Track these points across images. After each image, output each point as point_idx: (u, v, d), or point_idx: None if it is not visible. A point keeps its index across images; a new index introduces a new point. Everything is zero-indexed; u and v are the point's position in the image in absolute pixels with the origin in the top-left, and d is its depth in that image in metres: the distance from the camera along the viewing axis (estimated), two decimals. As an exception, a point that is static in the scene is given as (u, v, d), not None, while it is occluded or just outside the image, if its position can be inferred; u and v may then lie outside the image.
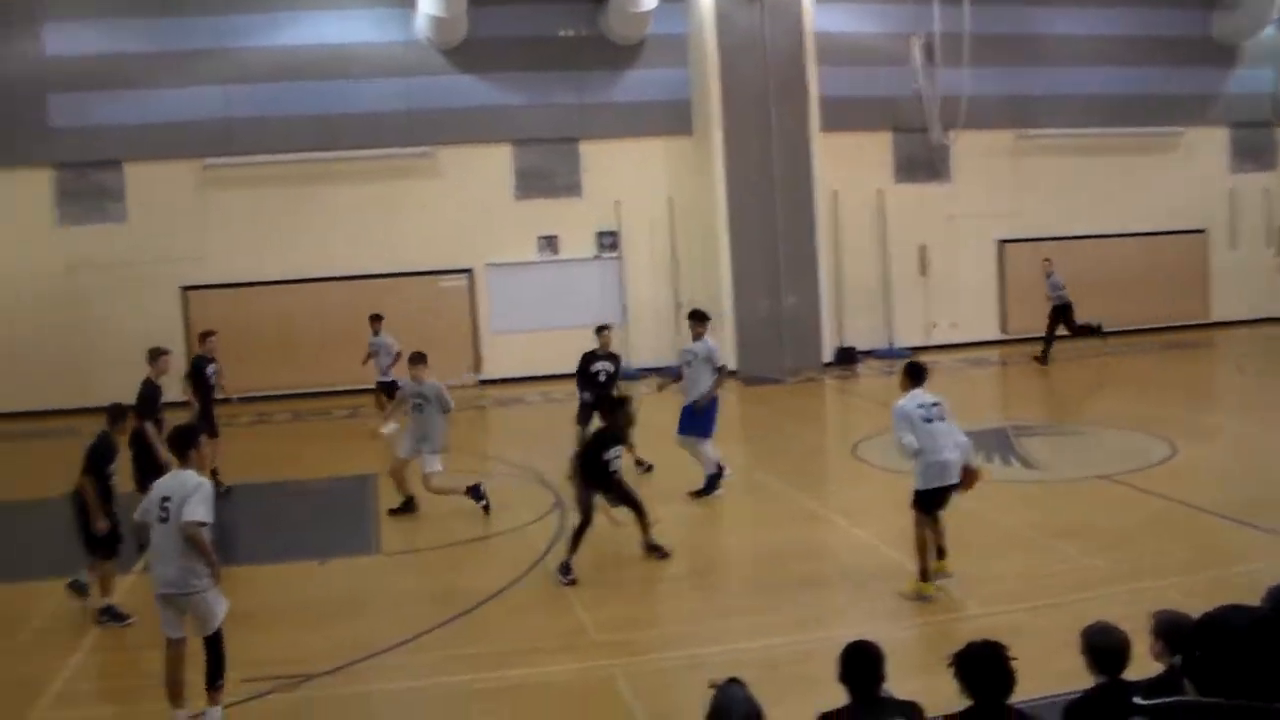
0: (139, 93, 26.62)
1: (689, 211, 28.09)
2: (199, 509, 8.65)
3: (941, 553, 11.46)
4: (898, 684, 6.11)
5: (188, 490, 8.69)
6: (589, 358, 17.73)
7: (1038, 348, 26.35)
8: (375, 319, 22.62)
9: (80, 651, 11.08)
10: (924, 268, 29.18)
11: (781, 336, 26.80)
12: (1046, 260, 26.80)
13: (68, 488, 11.91)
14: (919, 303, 29.17)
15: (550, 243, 28.34)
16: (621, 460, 13.16)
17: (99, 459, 11.62)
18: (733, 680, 5.60)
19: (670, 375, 16.61)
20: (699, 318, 16.39)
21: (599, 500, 12.79)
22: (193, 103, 26.78)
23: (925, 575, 11.20)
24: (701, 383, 15.68)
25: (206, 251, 26.93)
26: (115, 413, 12.23)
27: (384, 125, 27.39)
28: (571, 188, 28.37)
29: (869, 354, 28.57)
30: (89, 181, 27.00)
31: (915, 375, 11.90)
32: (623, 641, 10.54)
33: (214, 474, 14.90)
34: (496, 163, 28.06)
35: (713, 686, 5.56)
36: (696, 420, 15.65)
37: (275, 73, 27.02)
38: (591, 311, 26.67)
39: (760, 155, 26.72)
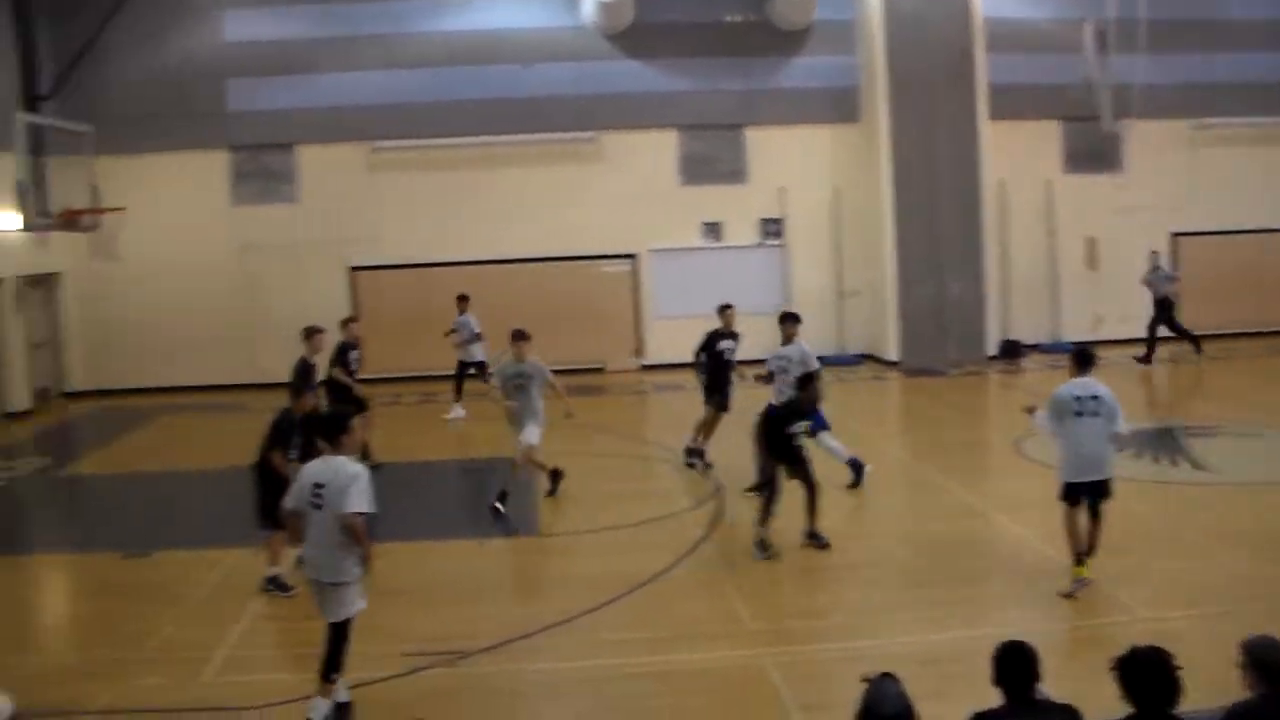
0: (312, 77, 27.37)
1: (853, 199, 27.91)
2: (359, 500, 8.66)
3: (1091, 550, 11.36)
4: (1055, 686, 6.05)
5: (344, 480, 8.68)
6: (715, 335, 17.68)
7: (1211, 343, 25.74)
8: (462, 299, 22.96)
9: (245, 619, 11.50)
10: (1092, 260, 28.60)
11: (945, 328, 26.52)
12: (1155, 253, 26.18)
13: (239, 460, 12.36)
14: (1086, 296, 28.54)
15: (714, 229, 28.38)
16: (803, 434, 13.34)
17: (282, 434, 12.03)
18: (886, 675, 5.61)
19: (766, 380, 16.18)
20: (791, 319, 16.08)
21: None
22: (364, 87, 27.42)
23: (1079, 560, 11.23)
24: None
25: (374, 233, 27.54)
26: (296, 390, 12.77)
27: (550, 110, 27.68)
28: (736, 174, 28.37)
29: (1034, 347, 28.04)
30: (262, 164, 27.85)
31: (1082, 363, 12.02)
32: (778, 631, 10.62)
33: (365, 451, 15.24)
34: (662, 148, 28.17)
35: (865, 680, 5.58)
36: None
37: (444, 57, 27.50)
38: (754, 298, 26.59)
39: (926, 143, 26.46)
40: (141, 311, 27.25)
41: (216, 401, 23.86)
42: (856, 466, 15.46)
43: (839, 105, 27.92)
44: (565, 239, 27.66)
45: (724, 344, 17.53)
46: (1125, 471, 15.69)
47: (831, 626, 10.64)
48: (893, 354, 26.70)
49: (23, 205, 21.34)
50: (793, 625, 10.78)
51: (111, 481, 19.22)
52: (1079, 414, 11.39)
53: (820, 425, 15.15)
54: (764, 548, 12.73)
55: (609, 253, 28.08)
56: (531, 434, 15.14)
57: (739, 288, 25.78)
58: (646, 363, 27.54)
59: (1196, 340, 25.88)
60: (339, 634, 8.84)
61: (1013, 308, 28.18)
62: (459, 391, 22.42)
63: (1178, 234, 28.87)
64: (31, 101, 24.84)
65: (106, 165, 24.34)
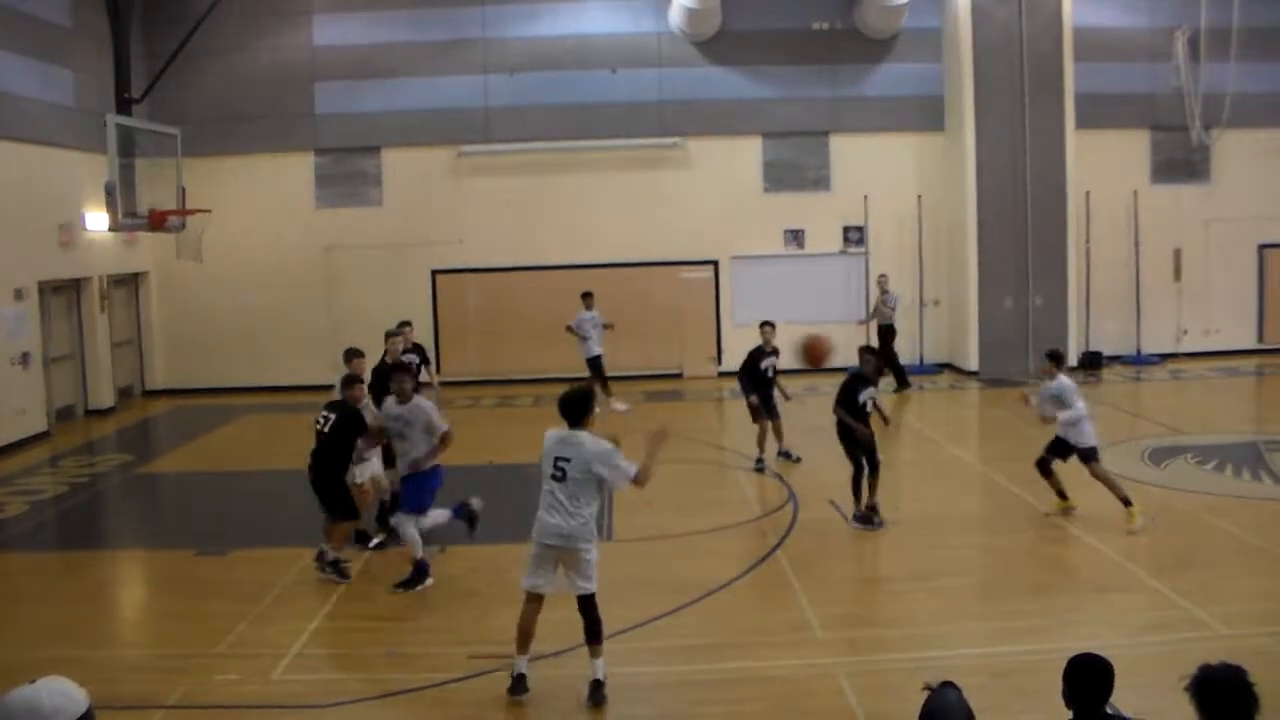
0: (399, 81, 27.61)
1: (937, 208, 27.70)
2: (630, 467, 9.39)
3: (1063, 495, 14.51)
4: (1126, 703, 5.91)
5: (596, 452, 9.26)
6: (756, 354, 18.17)
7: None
8: (586, 296, 23.24)
9: (317, 619, 11.62)
10: (1178, 272, 28.16)
11: (1026, 338, 26.25)
12: None
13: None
14: (1171, 308, 28.12)
15: (796, 237, 28.28)
16: (871, 401, 14.48)
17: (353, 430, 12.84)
18: (947, 683, 5.52)
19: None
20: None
21: None
22: (450, 91, 27.63)
23: (1128, 502, 13.86)
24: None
25: (457, 236, 27.70)
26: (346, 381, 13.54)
27: (636, 116, 27.73)
28: (820, 182, 28.24)
29: (1115, 359, 27.70)
30: (347, 166, 28.13)
31: (1061, 360, 15.12)
32: (848, 640, 10.52)
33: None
34: (746, 155, 28.12)
35: (926, 689, 5.50)
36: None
37: (532, 62, 27.60)
38: (835, 307, 26.67)
39: (1012, 153, 26.22)
40: (224, 312, 27.67)
41: (295, 402, 24.01)
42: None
43: (924, 113, 27.72)
44: (647, 245, 27.70)
45: (766, 362, 18.07)
46: (1205, 486, 15.57)
47: (902, 637, 10.52)
48: (972, 364, 26.47)
49: (112, 206, 21.64)
50: (863, 635, 10.68)
51: (190, 480, 19.47)
52: None
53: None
54: (863, 519, 14.26)
55: (691, 259, 28.04)
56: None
57: (820, 296, 25.77)
58: (724, 370, 27.43)
59: None
60: (592, 600, 9.44)
61: (1095, 319, 27.79)
62: (606, 385, 22.60)
63: (1265, 246, 28.35)
64: (123, 104, 25.24)
65: (194, 167, 24.64)
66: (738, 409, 20.54)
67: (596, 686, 9.28)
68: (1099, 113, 26.86)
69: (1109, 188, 27.52)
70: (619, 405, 22.46)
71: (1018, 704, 8.24)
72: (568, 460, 9.21)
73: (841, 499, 14.97)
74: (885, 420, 15.03)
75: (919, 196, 27.78)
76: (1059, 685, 5.66)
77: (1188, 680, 5.26)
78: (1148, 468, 17.01)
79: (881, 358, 14.91)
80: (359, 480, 13.60)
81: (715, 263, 28.17)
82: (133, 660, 10.69)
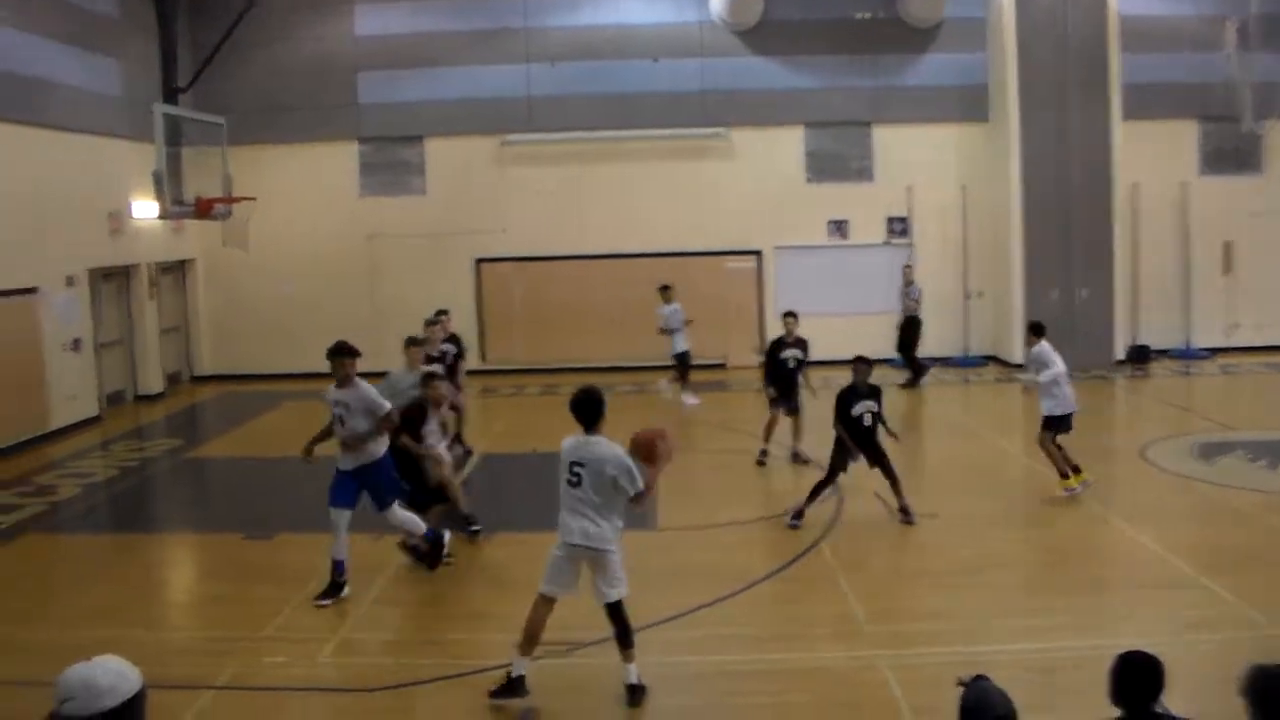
0: (441, 71, 27.74)
1: (981, 199, 27.57)
2: (639, 482, 9.20)
3: (1077, 469, 15.02)
4: (1175, 703, 5.85)
5: (614, 459, 9.14)
6: (778, 345, 17.90)
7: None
8: (665, 289, 22.94)
9: (363, 604, 11.74)
10: (1227, 265, 27.92)
11: (1072, 331, 26.07)
12: None
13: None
14: (1220, 302, 27.87)
15: (840, 227, 28.21)
16: (870, 414, 14.19)
17: (413, 420, 12.96)
18: (980, 677, 5.51)
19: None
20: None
21: None
22: (493, 80, 27.71)
23: (1064, 475, 15.01)
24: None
25: (501, 225, 27.78)
26: (425, 378, 13.70)
27: (678, 106, 27.72)
28: (863, 172, 28.17)
29: (1163, 353, 27.50)
30: (391, 155, 28.29)
31: (1041, 330, 16.03)
32: (893, 633, 10.51)
33: (458, 438, 15.52)
34: (789, 145, 28.07)
35: (960, 684, 5.49)
36: None
37: (574, 51, 27.66)
38: (879, 297, 26.53)
39: (1057, 143, 26.07)
40: (269, 299, 27.91)
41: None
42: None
43: (968, 103, 27.59)
44: (690, 235, 27.69)
45: (787, 353, 17.73)
46: (1257, 483, 15.44)
47: (947, 630, 10.48)
48: (1018, 356, 26.24)
49: (159, 194, 21.82)
50: (909, 628, 10.66)
51: (237, 464, 19.64)
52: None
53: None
54: (796, 516, 14.19)
55: (734, 249, 28.02)
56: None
57: (864, 287, 25.67)
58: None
59: None
60: (620, 605, 9.30)
61: (1142, 312, 27.59)
62: (684, 379, 22.60)
63: (1317, 238, 28.07)
64: (170, 94, 25.45)
65: (239, 156, 24.80)
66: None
67: (634, 690, 9.24)
68: (1146, 103, 26.65)
69: (1157, 179, 27.30)
70: (690, 399, 22.34)
71: (1063, 701, 8.21)
72: (583, 465, 9.09)
73: (888, 491, 14.94)
74: (893, 436, 14.80)
75: (963, 187, 27.67)
76: (1106, 682, 5.63)
77: (1240, 680, 5.23)
78: (1197, 463, 16.90)
79: (870, 367, 14.54)
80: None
81: (759, 253, 28.14)
82: (182, 642, 10.84)
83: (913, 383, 24.85)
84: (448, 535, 12.61)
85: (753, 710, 9.11)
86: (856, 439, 14.28)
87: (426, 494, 12.53)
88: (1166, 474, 16.34)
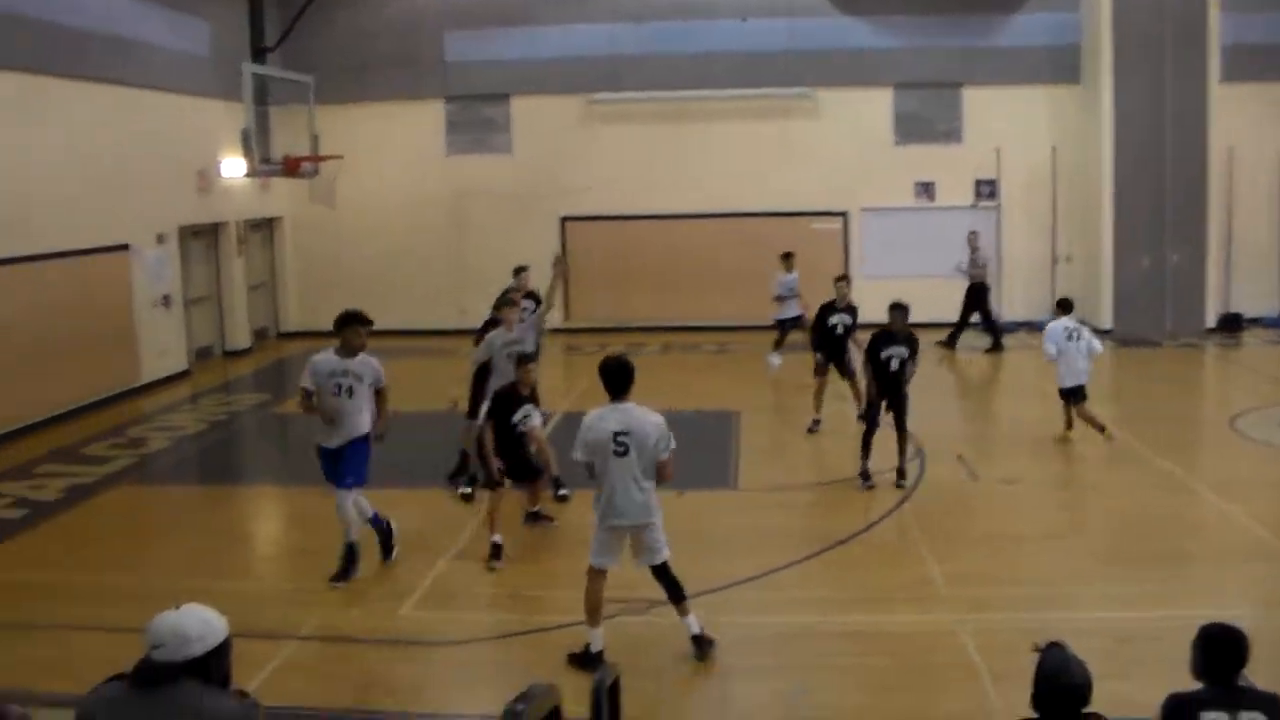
0: (529, 29, 27.70)
1: (1072, 162, 27.16)
2: (672, 442, 9.17)
3: (1102, 429, 15.78)
4: (1262, 678, 5.73)
5: (657, 426, 9.09)
6: (826, 310, 17.48)
7: None
8: (787, 256, 22.46)
9: (444, 559, 11.88)
10: (1326, 232, 27.30)
11: (1162, 297, 25.73)
12: None
13: (440, 405, 12.91)
14: (1317, 270, 27.32)
15: (927, 189, 27.95)
16: (898, 360, 14.33)
17: (504, 405, 12.57)
18: (1055, 644, 5.46)
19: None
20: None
21: None
22: (580, 39, 27.65)
23: (1069, 425, 16.38)
24: None
25: (587, 184, 27.82)
26: (519, 360, 13.27)
27: (765, 65, 27.51)
28: (951, 134, 27.84)
29: (1256, 321, 26.93)
30: (477, 114, 28.35)
31: (1066, 307, 16.84)
32: (972, 597, 10.46)
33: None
34: (876, 106, 27.78)
35: (1036, 650, 5.45)
36: None
37: (662, 10, 27.53)
38: (965, 261, 26.26)
39: (1152, 106, 25.56)
40: (355, 256, 28.09)
41: (424, 346, 24.38)
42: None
43: (1060, 65, 27.12)
44: (776, 195, 27.51)
45: (835, 319, 17.32)
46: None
47: (1026, 596, 10.42)
48: (1106, 322, 25.94)
49: (248, 153, 22.07)
50: (987, 593, 10.59)
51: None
52: (1069, 339, 16.01)
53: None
54: (865, 476, 14.28)
55: (820, 210, 27.84)
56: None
57: (950, 250, 25.40)
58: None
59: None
60: (667, 566, 9.37)
61: (1236, 280, 27.01)
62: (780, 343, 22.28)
63: None
64: (258, 53, 25.68)
65: (326, 114, 24.97)
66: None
67: (699, 641, 9.29)
68: (1246, 64, 25.94)
69: (1254, 143, 26.60)
70: (774, 359, 22.04)
71: (1140, 671, 8.13)
72: (627, 434, 8.98)
73: (971, 454, 14.89)
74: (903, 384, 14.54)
75: (1053, 149, 27.26)
76: (1183, 653, 5.57)
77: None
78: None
79: (906, 314, 14.47)
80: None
81: (845, 214, 27.96)
82: (267, 592, 11.02)
83: (997, 346, 24.60)
84: (394, 525, 11.96)
85: (831, 672, 9.12)
86: (881, 382, 14.32)
87: (528, 471, 12.29)
88: (1256, 444, 16.08)
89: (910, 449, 14.56)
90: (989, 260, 25.55)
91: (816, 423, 17.41)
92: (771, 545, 12.01)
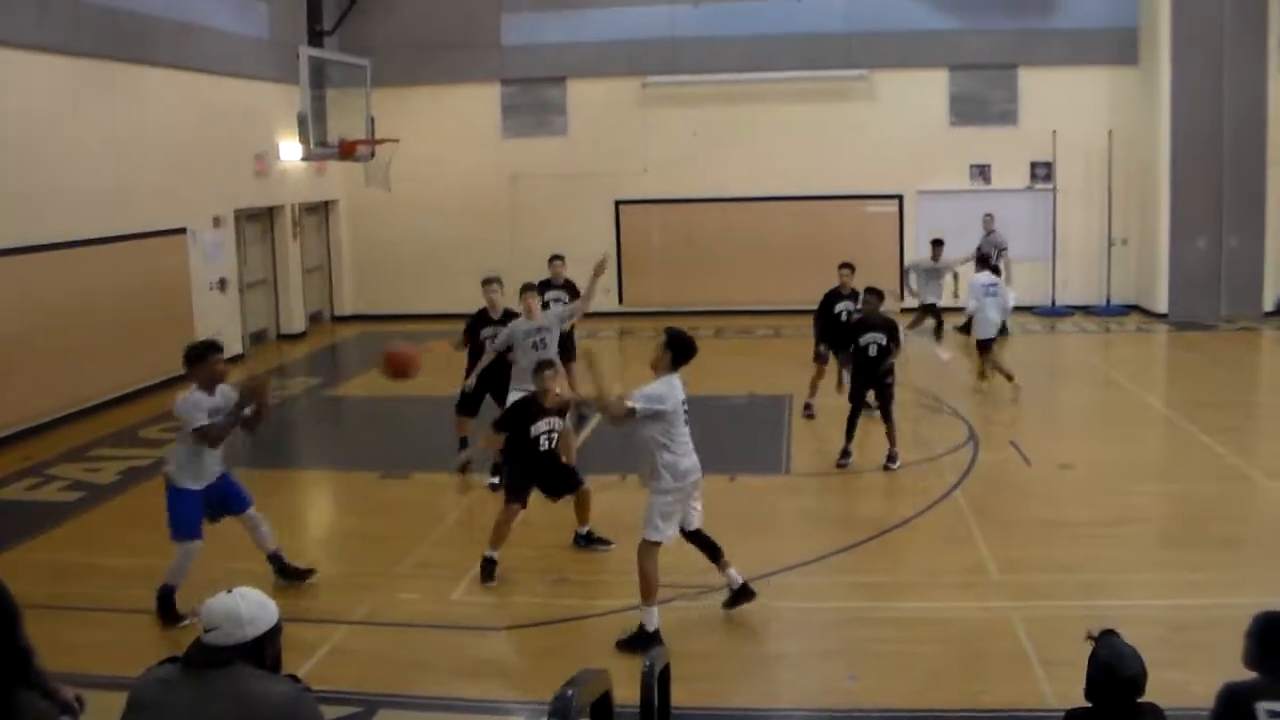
0: (585, 12, 27.69)
1: (1128, 145, 26.88)
2: None
3: (1010, 376, 17.77)
4: None
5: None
6: (832, 297, 17.11)
7: None
8: (937, 244, 22.02)
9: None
10: (1389, 216, 26.89)
11: (1219, 281, 25.46)
12: None
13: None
14: (1379, 253, 26.92)
15: (983, 172, 27.76)
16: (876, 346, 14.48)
17: (520, 418, 12.58)
18: (1109, 632, 5.43)
19: None
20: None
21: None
22: (636, 22, 27.59)
23: (982, 375, 18.52)
24: None
25: (642, 167, 27.82)
26: (538, 367, 13.07)
27: (821, 47, 27.39)
28: (1007, 116, 27.62)
29: (1314, 306, 26.66)
30: (533, 96, 28.41)
31: (986, 262, 20.17)
32: (1024, 584, 10.42)
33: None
34: (932, 88, 27.60)
35: (1090, 639, 5.42)
36: None
37: (718, -8, 27.48)
38: (1021, 243, 26.06)
39: (1210, 88, 25.24)
40: (409, 240, 28.22)
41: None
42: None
43: (1117, 46, 26.83)
44: (831, 178, 27.43)
45: (841, 305, 16.94)
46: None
47: (1080, 583, 10.36)
48: (1162, 306, 25.73)
49: (304, 136, 22.18)
50: (1040, 579, 10.55)
51: (375, 404, 19.95)
52: (988, 294, 18.10)
53: None
54: (844, 455, 14.51)
55: (875, 193, 27.72)
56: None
57: (1006, 232, 25.19)
58: (906, 306, 27.05)
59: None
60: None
61: (1295, 263, 26.71)
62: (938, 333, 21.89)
63: None
64: (315, 36, 25.82)
65: (382, 97, 25.03)
66: (919, 345, 20.42)
67: (744, 590, 9.71)
68: (1305, 46, 25.67)
69: (1314, 126, 26.30)
70: (942, 353, 21.60)
71: (1195, 659, 8.07)
72: (687, 402, 9.50)
73: (1024, 440, 14.80)
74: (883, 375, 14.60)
75: (1110, 132, 27.00)
76: (1237, 642, 5.53)
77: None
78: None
79: (881, 299, 14.55)
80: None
81: (900, 197, 27.81)
82: (319, 576, 11.05)
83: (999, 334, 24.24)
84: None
85: (883, 658, 9.10)
86: (861, 369, 14.47)
87: (561, 483, 11.58)
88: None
89: (963, 433, 14.48)
90: (1002, 249, 25.00)
91: (809, 407, 17.28)
92: (824, 530, 12.02)
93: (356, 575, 11.12)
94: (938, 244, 21.86)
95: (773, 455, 15.21)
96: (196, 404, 10.15)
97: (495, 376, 14.07)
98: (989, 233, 24.75)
